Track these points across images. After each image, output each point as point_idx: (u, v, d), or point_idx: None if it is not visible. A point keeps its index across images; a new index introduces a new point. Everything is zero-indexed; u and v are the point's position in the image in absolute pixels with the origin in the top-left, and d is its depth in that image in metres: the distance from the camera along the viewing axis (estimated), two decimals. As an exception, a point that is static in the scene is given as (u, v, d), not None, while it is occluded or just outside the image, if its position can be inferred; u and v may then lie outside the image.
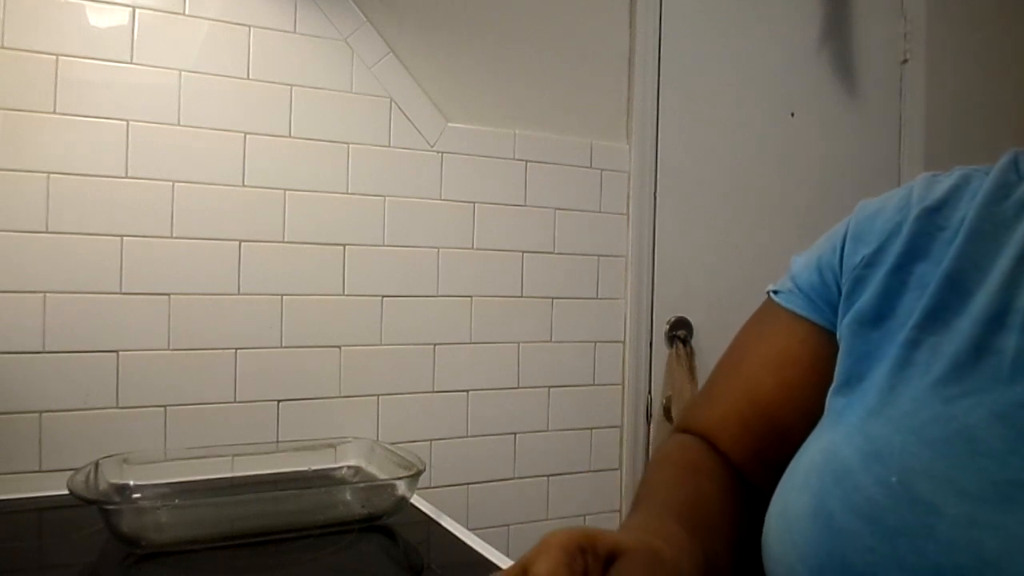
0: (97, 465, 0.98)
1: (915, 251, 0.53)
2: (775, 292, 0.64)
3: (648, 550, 0.44)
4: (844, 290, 0.57)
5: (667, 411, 1.55)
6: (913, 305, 0.51)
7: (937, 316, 0.50)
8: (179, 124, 1.16)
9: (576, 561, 0.40)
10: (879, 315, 0.53)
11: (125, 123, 1.13)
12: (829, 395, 0.54)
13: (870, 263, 0.55)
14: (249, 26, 1.21)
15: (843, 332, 0.55)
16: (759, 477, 0.61)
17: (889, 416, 0.48)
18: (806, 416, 0.56)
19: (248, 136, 1.21)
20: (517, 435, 1.43)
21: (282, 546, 0.91)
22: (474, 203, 1.38)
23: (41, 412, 1.09)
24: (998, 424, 0.43)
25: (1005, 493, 0.41)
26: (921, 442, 0.45)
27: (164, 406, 1.16)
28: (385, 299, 1.31)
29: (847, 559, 0.45)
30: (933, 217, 0.54)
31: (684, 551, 0.46)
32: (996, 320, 0.47)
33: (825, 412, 0.54)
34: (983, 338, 0.47)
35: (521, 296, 1.43)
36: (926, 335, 0.49)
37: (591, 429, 1.50)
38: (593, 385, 1.50)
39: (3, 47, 1.06)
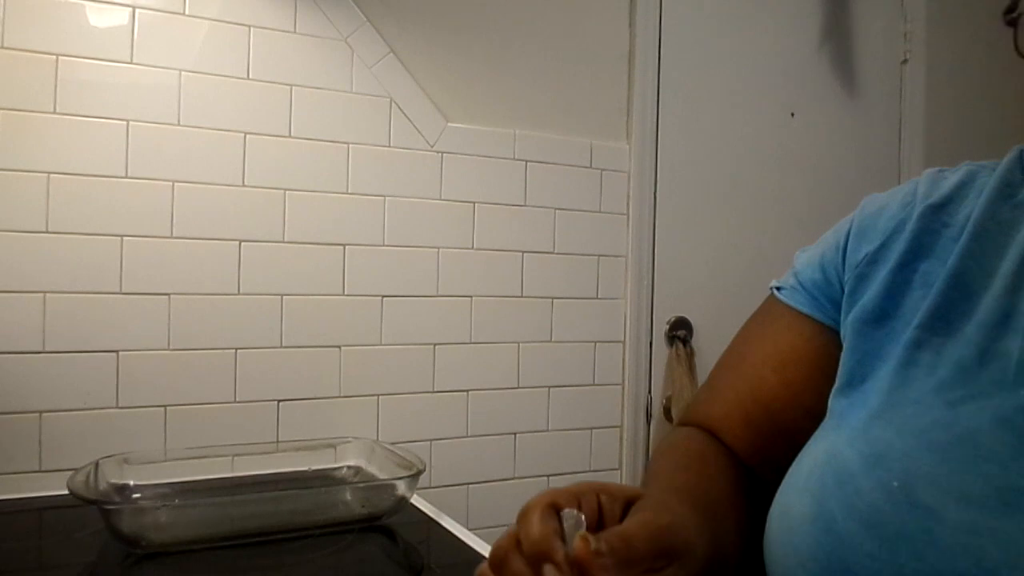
0: (97, 465, 0.98)
1: (920, 249, 0.52)
2: (778, 288, 0.63)
3: (663, 500, 0.44)
4: (847, 288, 0.56)
5: (667, 411, 1.55)
6: (918, 304, 0.51)
7: (942, 317, 0.49)
8: (179, 124, 1.16)
9: (587, 497, 0.41)
10: (883, 314, 0.52)
11: (125, 123, 1.13)
12: (831, 396, 0.54)
13: (873, 260, 0.55)
14: (249, 26, 1.21)
15: (846, 330, 0.54)
16: (764, 472, 0.61)
17: (891, 419, 0.48)
18: (810, 414, 0.55)
19: (248, 136, 1.21)
20: (517, 435, 1.43)
21: (282, 546, 0.91)
22: (474, 203, 1.38)
23: (41, 412, 1.09)
24: (1002, 430, 0.43)
25: (1007, 499, 0.41)
26: (923, 447, 0.45)
27: (164, 406, 1.16)
28: (385, 299, 1.31)
29: (847, 564, 0.45)
30: (938, 214, 0.53)
31: (691, 527, 0.46)
32: (1001, 324, 0.46)
33: (827, 413, 0.54)
34: (988, 342, 0.46)
35: (521, 296, 1.43)
36: (930, 336, 0.49)
37: (591, 429, 1.50)
38: (593, 385, 1.50)
39: (3, 47, 1.06)
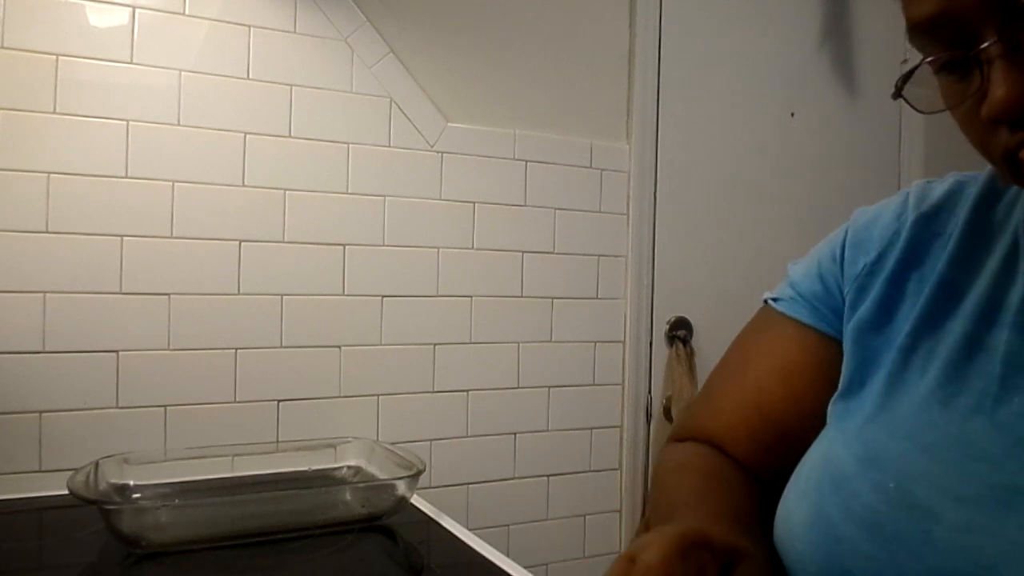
0: (97, 465, 0.98)
1: (912, 258, 0.53)
2: (774, 300, 0.62)
3: (758, 563, 0.43)
4: (848, 299, 0.56)
5: (667, 411, 1.55)
6: (909, 312, 0.51)
7: (931, 321, 0.50)
8: (179, 124, 1.16)
9: (691, 556, 0.39)
10: (879, 323, 0.53)
11: (125, 123, 1.13)
12: (831, 403, 0.54)
13: (871, 272, 0.55)
14: (249, 26, 1.21)
15: (846, 341, 0.55)
16: (772, 485, 0.60)
17: (886, 422, 0.48)
18: (816, 426, 0.55)
19: (248, 136, 1.21)
20: (517, 435, 1.43)
21: (282, 546, 0.91)
22: (474, 203, 1.38)
23: (41, 412, 1.09)
24: (993, 429, 0.43)
25: (1002, 498, 0.41)
26: (918, 447, 0.45)
27: (164, 406, 1.16)
28: (385, 299, 1.31)
29: (845, 566, 0.45)
30: (929, 224, 0.54)
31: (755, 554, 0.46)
32: (987, 317, 0.47)
33: (827, 420, 0.54)
34: (974, 335, 0.47)
35: (521, 296, 1.43)
36: (922, 340, 0.50)
37: (591, 429, 1.50)
38: (593, 385, 1.50)
39: (3, 47, 1.06)
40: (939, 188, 0.56)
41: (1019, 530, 0.40)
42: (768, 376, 0.60)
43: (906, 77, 0.46)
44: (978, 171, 0.55)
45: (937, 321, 0.49)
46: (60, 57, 1.09)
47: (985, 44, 0.39)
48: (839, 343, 0.57)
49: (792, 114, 1.74)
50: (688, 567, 0.39)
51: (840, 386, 0.54)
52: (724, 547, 0.41)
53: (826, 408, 0.55)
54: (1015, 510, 0.40)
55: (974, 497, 0.42)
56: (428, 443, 1.34)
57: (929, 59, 0.44)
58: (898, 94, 0.47)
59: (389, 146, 1.31)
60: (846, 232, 0.59)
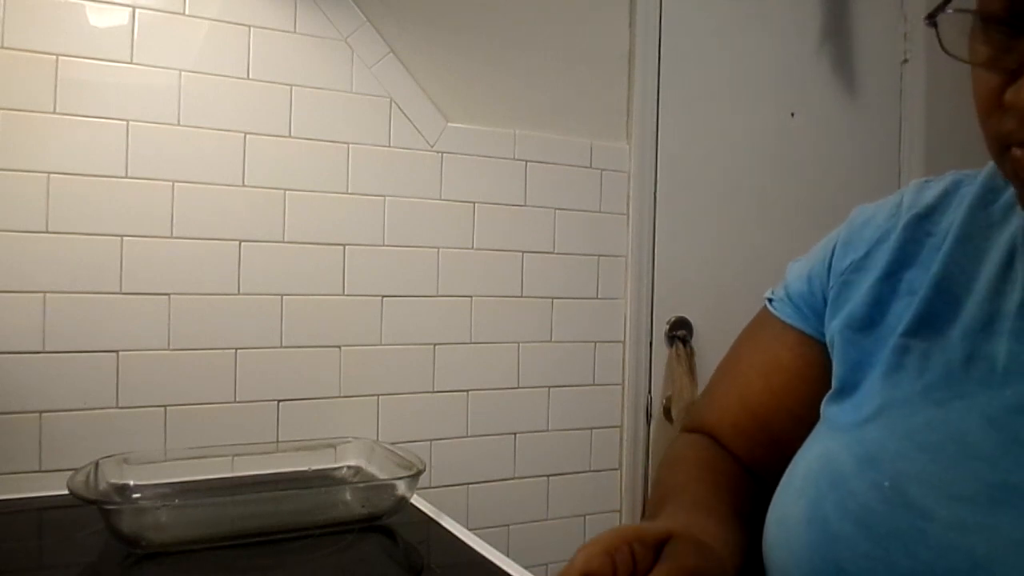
0: (97, 465, 0.98)
1: (904, 258, 0.53)
2: (769, 300, 0.65)
3: (693, 536, 0.46)
4: (831, 295, 0.57)
5: (667, 411, 1.55)
6: (903, 311, 0.51)
7: (927, 322, 0.50)
8: (179, 124, 1.16)
9: (620, 552, 0.42)
10: (870, 322, 0.53)
11: (125, 123, 1.13)
12: (824, 402, 0.55)
13: (858, 268, 0.56)
14: (249, 26, 1.21)
15: (835, 338, 0.55)
16: (763, 480, 0.62)
17: (882, 422, 0.49)
18: (796, 422, 0.57)
19: (248, 136, 1.21)
20: (517, 435, 1.43)
21: (282, 546, 0.91)
22: (474, 203, 1.38)
23: (41, 412, 1.09)
24: (990, 428, 0.44)
25: (996, 496, 0.41)
26: (914, 446, 0.46)
27: (164, 406, 1.16)
28: (385, 299, 1.31)
29: (841, 564, 0.46)
30: (922, 224, 0.54)
31: (719, 541, 0.49)
32: (985, 328, 0.47)
33: (821, 419, 0.55)
34: (973, 346, 0.47)
35: (521, 296, 1.43)
36: (916, 341, 0.50)
37: (591, 429, 1.50)
38: (593, 385, 1.50)
39: (3, 47, 1.06)
40: (935, 188, 0.56)
41: (1012, 528, 0.40)
42: (752, 372, 0.64)
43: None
44: (978, 169, 0.55)
45: (933, 324, 0.50)
46: (60, 57, 1.09)
47: None
48: (821, 343, 0.58)
49: (792, 114, 1.74)
50: (620, 560, 0.42)
51: (833, 386, 0.54)
52: (656, 536, 0.44)
53: (808, 406, 0.56)
54: (1008, 508, 0.41)
55: (968, 495, 0.42)
56: (428, 443, 1.34)
57: (986, 8, 0.41)
58: (932, 20, 0.43)
59: (389, 146, 1.31)
60: (840, 232, 0.60)
